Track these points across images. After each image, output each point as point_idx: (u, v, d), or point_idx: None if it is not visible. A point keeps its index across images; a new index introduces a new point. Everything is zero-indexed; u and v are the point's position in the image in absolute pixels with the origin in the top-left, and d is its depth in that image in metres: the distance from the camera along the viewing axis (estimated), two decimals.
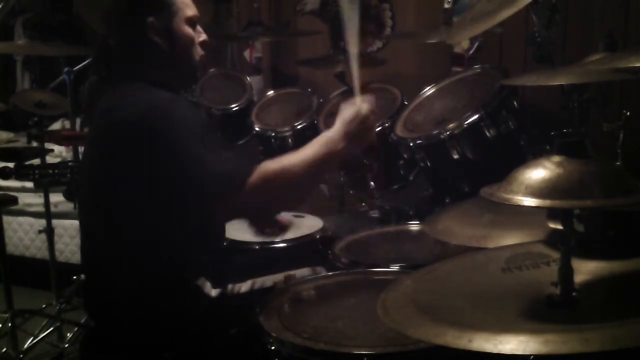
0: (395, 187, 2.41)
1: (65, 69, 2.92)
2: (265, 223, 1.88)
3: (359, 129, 1.61)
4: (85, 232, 1.71)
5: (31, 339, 2.79)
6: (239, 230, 2.36)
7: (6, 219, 3.22)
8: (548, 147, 1.69)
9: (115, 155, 1.53)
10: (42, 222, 3.16)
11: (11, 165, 2.62)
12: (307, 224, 2.40)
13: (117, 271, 1.59)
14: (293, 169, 1.51)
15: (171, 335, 1.55)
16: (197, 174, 1.43)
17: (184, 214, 1.53)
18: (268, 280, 1.77)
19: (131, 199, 1.53)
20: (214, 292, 1.65)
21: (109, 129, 1.55)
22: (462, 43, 2.56)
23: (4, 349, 2.75)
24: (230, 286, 1.71)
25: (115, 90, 1.59)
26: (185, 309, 1.58)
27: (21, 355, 2.71)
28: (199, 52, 1.68)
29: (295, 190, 1.56)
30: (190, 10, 1.65)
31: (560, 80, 1.48)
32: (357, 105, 1.64)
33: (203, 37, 1.69)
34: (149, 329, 1.55)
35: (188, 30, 1.64)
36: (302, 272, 1.85)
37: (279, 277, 1.79)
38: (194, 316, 1.58)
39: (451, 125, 2.06)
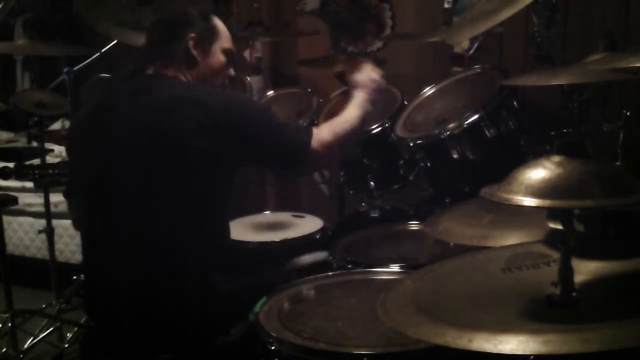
0: (395, 187, 2.41)
1: (65, 69, 2.92)
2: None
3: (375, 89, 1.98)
4: (95, 232, 1.69)
5: (31, 339, 2.79)
6: (239, 231, 2.36)
7: (6, 219, 3.22)
8: (548, 147, 1.69)
9: (189, 145, 1.57)
10: (42, 222, 3.16)
11: (11, 165, 2.62)
12: (307, 224, 2.40)
13: (132, 269, 1.59)
14: (343, 132, 1.82)
15: (178, 334, 1.55)
16: (285, 142, 1.74)
17: (226, 201, 1.72)
18: (270, 269, 1.87)
19: (174, 192, 1.57)
20: (224, 286, 1.66)
21: (184, 123, 1.57)
22: (462, 43, 2.56)
23: (4, 349, 2.75)
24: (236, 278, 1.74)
25: (159, 87, 1.66)
26: (197, 305, 1.58)
27: (21, 355, 2.71)
28: (222, 81, 1.84)
29: (345, 143, 1.87)
30: (228, 43, 1.84)
31: (560, 80, 1.48)
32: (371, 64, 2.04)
33: (232, 72, 1.88)
34: (158, 328, 1.55)
35: (222, 57, 1.81)
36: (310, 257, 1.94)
37: (280, 267, 1.90)
38: (204, 312, 1.59)
39: (451, 125, 2.06)
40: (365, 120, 1.96)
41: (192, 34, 1.75)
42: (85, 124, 1.77)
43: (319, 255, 1.94)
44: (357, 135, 1.96)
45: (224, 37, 1.83)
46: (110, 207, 1.62)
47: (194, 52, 1.74)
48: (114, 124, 1.64)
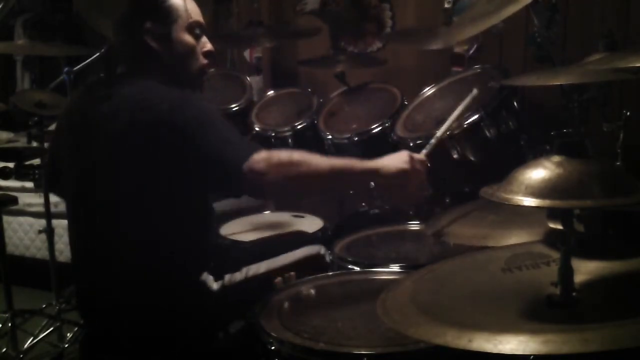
0: None
1: (65, 69, 2.91)
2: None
3: (398, 177, 1.63)
4: (85, 234, 1.67)
5: (31, 339, 2.79)
6: (239, 231, 2.36)
7: (6, 219, 3.22)
8: (548, 147, 1.69)
9: (146, 150, 1.51)
10: (42, 222, 3.15)
11: (11, 165, 2.63)
12: (307, 224, 2.40)
13: (120, 271, 1.58)
14: (304, 164, 1.52)
15: (173, 334, 1.55)
16: (222, 151, 1.48)
17: (202, 202, 1.61)
18: (261, 266, 1.77)
19: (151, 193, 1.52)
20: (215, 286, 1.65)
21: (138, 125, 1.51)
22: (461, 43, 2.56)
23: (4, 349, 2.75)
24: (227, 277, 1.70)
25: (126, 89, 1.58)
26: (188, 306, 1.58)
27: (21, 355, 2.70)
28: (200, 60, 1.69)
29: (301, 183, 1.56)
30: (192, 17, 1.65)
31: (560, 80, 1.49)
32: (413, 157, 1.67)
33: (207, 46, 1.70)
34: (152, 328, 1.55)
35: (187, 38, 1.65)
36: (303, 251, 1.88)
37: (271, 263, 1.79)
38: (196, 313, 1.58)
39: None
40: (340, 184, 1.69)
41: (146, 25, 1.60)
42: (60, 129, 1.74)
43: (313, 249, 1.92)
44: (323, 187, 1.66)
45: (186, 13, 1.63)
46: (116, 205, 1.60)
47: (153, 45, 1.60)
48: (81, 130, 1.62)
